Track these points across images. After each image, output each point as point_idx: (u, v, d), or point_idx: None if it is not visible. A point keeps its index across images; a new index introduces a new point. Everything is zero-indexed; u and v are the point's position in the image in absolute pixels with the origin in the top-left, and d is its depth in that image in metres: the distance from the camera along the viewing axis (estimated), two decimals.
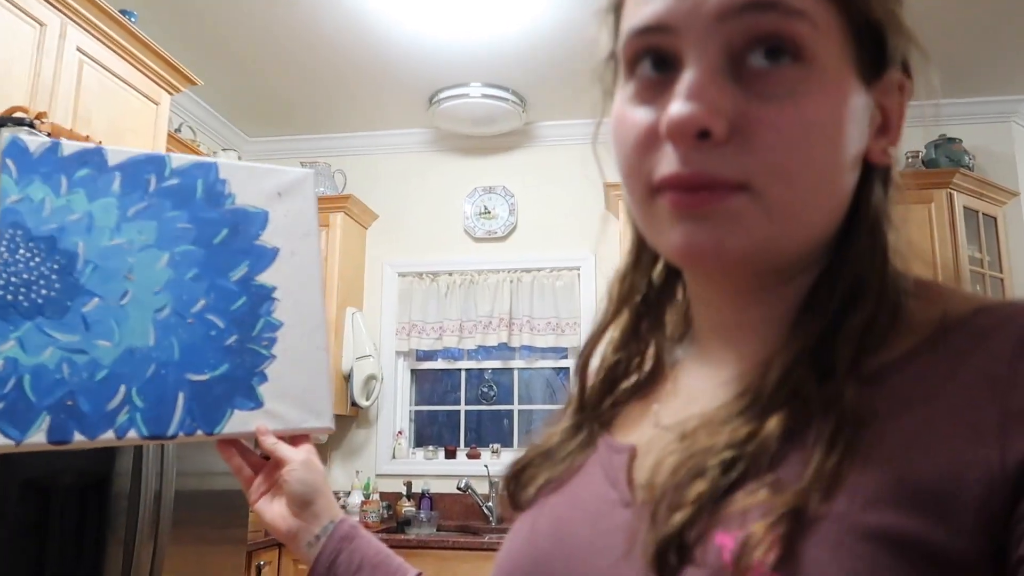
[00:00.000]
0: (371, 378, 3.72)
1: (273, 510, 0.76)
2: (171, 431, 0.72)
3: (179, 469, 2.20)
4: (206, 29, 2.99)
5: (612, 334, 0.58)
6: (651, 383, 0.57)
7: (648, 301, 0.57)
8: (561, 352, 3.85)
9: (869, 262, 0.46)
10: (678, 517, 0.41)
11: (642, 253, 0.58)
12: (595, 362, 0.59)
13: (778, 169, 0.42)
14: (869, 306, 0.45)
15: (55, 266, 0.72)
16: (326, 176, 3.84)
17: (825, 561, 0.37)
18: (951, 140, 3.45)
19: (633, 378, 0.58)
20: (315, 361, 0.79)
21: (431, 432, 4.03)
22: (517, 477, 0.58)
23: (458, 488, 3.56)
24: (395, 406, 3.90)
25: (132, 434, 0.71)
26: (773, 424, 0.42)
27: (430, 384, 4.09)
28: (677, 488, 0.43)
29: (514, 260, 3.88)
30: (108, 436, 0.71)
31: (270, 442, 0.75)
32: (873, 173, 0.48)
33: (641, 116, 0.46)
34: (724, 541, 0.40)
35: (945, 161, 3.41)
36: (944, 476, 0.38)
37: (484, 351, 3.91)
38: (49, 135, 1.66)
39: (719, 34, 0.42)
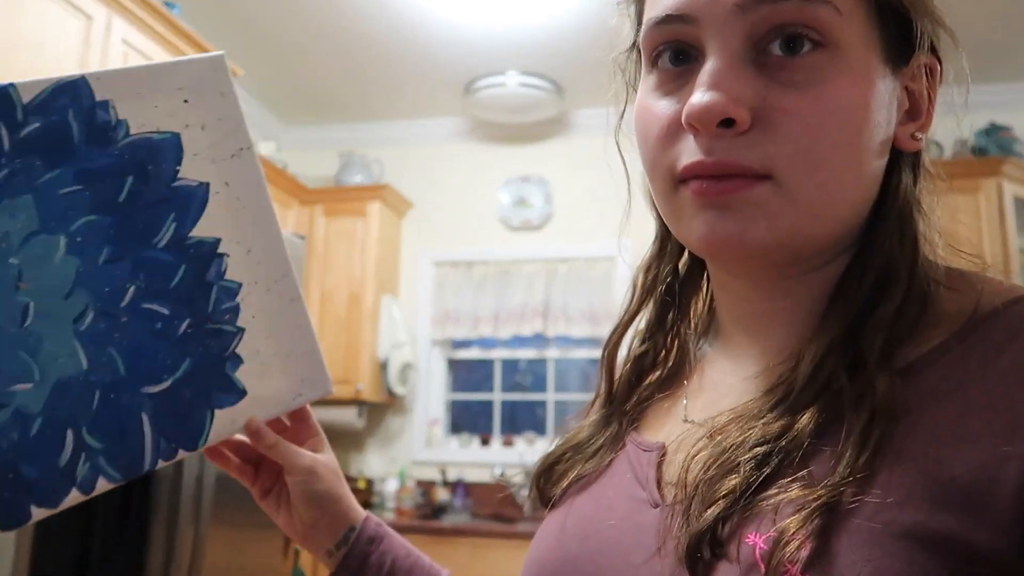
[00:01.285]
0: (407, 366, 3.75)
1: (281, 515, 0.67)
2: (147, 464, 0.57)
3: None
4: (245, 18, 3.03)
5: (639, 325, 0.58)
6: (677, 377, 0.57)
7: (673, 292, 0.57)
8: (596, 342, 3.84)
9: (898, 251, 0.46)
10: (711, 512, 0.41)
11: (667, 244, 0.58)
12: (622, 353, 0.59)
13: (801, 157, 0.42)
14: (898, 296, 0.44)
15: None
16: (363, 165, 3.87)
17: (858, 560, 0.37)
18: (1000, 128, 3.35)
19: (659, 371, 0.58)
20: (291, 319, 0.62)
21: (466, 420, 4.06)
22: (547, 473, 0.58)
23: (496, 480, 3.58)
24: (430, 394, 3.93)
25: (102, 483, 0.56)
26: (805, 419, 0.42)
27: (465, 373, 4.11)
28: (709, 484, 0.42)
29: (550, 250, 3.87)
30: (74, 496, 0.55)
31: (268, 443, 0.63)
32: (901, 159, 0.48)
33: (663, 107, 0.46)
34: (755, 540, 0.39)
35: (994, 149, 3.32)
36: (979, 472, 0.37)
37: (519, 340, 3.92)
38: None
39: (739, 23, 0.42)
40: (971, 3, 2.75)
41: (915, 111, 0.48)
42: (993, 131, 3.35)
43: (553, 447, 0.59)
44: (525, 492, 3.53)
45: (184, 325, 0.58)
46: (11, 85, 0.52)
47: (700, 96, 0.42)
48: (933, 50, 0.48)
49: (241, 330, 0.60)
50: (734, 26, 0.42)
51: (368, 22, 3.05)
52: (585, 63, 3.35)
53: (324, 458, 0.66)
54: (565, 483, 0.56)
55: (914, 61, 0.47)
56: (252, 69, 3.23)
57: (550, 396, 3.94)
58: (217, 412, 0.60)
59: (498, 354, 3.99)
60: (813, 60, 0.42)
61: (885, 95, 0.45)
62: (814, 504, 0.38)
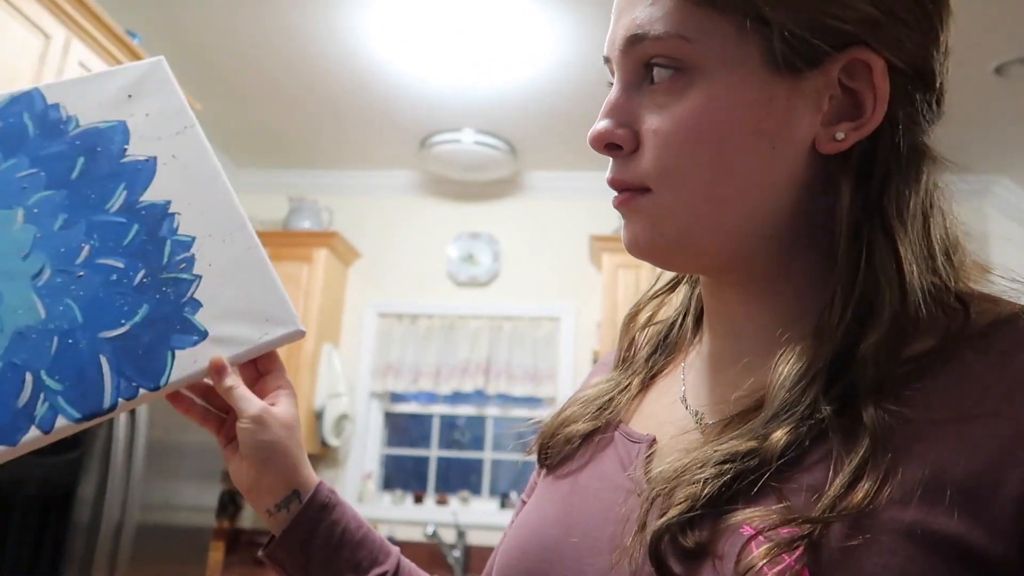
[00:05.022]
0: (343, 417, 3.65)
1: (233, 464, 0.65)
2: (107, 403, 0.60)
3: (144, 502, 2.12)
4: (206, 55, 3.01)
5: (671, 301, 0.62)
6: (674, 355, 0.60)
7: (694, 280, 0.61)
8: (537, 402, 3.82)
9: (872, 271, 0.44)
10: (679, 508, 0.42)
11: None
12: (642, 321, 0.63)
13: (665, 172, 0.47)
14: (885, 326, 0.43)
15: None
16: (312, 211, 3.83)
17: (859, 555, 0.37)
18: None
19: (670, 350, 0.61)
20: (250, 265, 0.66)
21: (399, 476, 3.95)
22: (549, 427, 0.60)
23: (427, 538, 3.47)
24: (365, 448, 3.82)
25: (62, 422, 0.59)
26: (781, 441, 0.42)
27: (402, 427, 4.03)
28: (684, 488, 0.43)
29: (495, 307, 3.88)
30: (33, 435, 0.59)
31: (225, 385, 0.62)
32: (841, 165, 0.46)
33: None
34: (748, 531, 0.40)
35: None
36: (982, 476, 0.38)
37: (459, 397, 3.88)
38: None
39: (626, 61, 0.49)
40: None
41: (859, 110, 0.46)
42: None
43: (565, 406, 0.62)
44: (456, 553, 3.44)
45: (139, 276, 0.64)
46: None
47: (596, 124, 0.50)
48: (867, 44, 0.45)
49: (197, 277, 0.65)
50: (624, 63, 0.49)
51: (329, 69, 3.07)
52: (540, 126, 3.43)
53: (279, 411, 0.64)
54: (560, 444, 0.58)
55: (833, 62, 0.45)
56: (208, 106, 3.19)
57: (487, 455, 3.88)
58: (177, 352, 0.63)
59: (437, 409, 3.93)
60: (673, 84, 0.46)
61: (768, 101, 0.45)
62: (815, 503, 0.39)
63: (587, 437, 0.57)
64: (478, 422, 3.93)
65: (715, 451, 0.44)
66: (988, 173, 3.56)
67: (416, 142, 3.66)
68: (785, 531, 0.38)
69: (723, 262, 0.50)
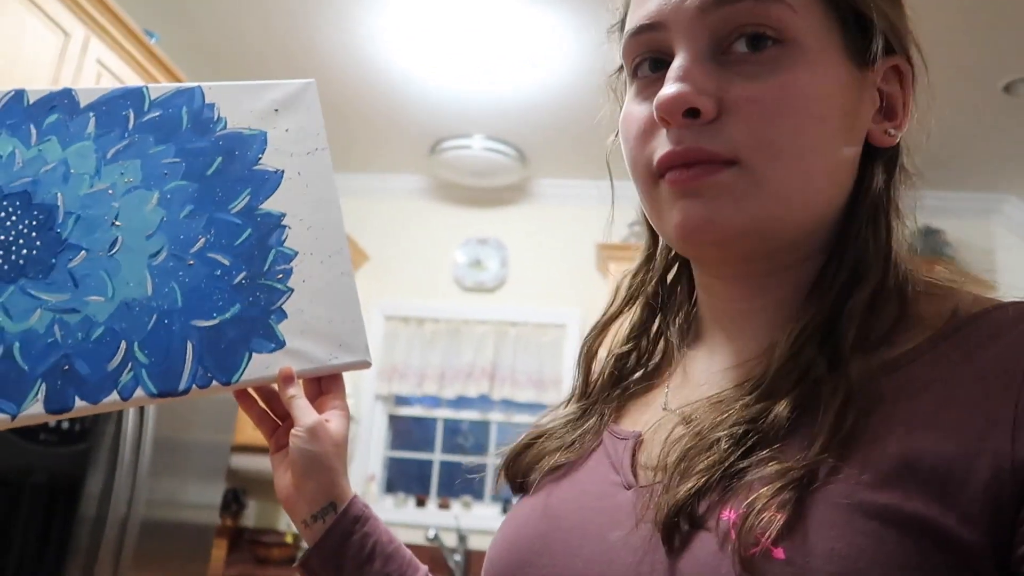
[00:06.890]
0: None
1: (279, 472, 0.68)
2: (183, 385, 0.65)
3: (149, 497, 2.13)
4: (218, 58, 3.04)
5: (622, 327, 0.60)
6: (657, 374, 0.58)
7: (658, 299, 0.59)
8: (541, 408, 3.82)
9: (872, 245, 0.47)
10: (689, 484, 0.42)
11: (654, 255, 0.60)
12: (603, 353, 0.61)
13: (764, 142, 0.44)
14: (870, 285, 0.46)
15: (33, 223, 0.66)
16: None
17: (829, 536, 0.38)
18: (934, 231, 3.56)
19: (640, 371, 0.59)
20: (339, 289, 0.70)
21: (402, 479, 3.96)
22: (515, 461, 0.59)
23: (429, 542, 3.48)
24: (368, 450, 3.83)
25: (139, 393, 0.64)
26: (782, 404, 0.43)
27: (405, 430, 4.03)
28: (687, 460, 0.43)
29: (501, 313, 3.89)
30: (112, 399, 0.64)
31: (289, 394, 0.65)
32: (876, 157, 0.50)
33: (641, 109, 0.49)
34: (729, 516, 0.40)
35: (926, 251, 3.51)
36: (954, 462, 0.38)
37: (463, 401, 3.88)
38: None
39: (702, 25, 0.45)
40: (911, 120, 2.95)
41: (890, 111, 0.50)
42: (928, 234, 3.56)
43: (523, 437, 0.61)
44: (457, 557, 3.45)
45: (240, 276, 0.68)
46: (145, 86, 0.72)
47: (667, 88, 0.45)
48: (905, 55, 0.50)
49: (290, 290, 0.69)
50: (697, 28, 0.46)
51: (341, 74, 3.09)
52: (550, 134, 3.44)
53: (332, 427, 0.66)
54: (537, 473, 0.56)
55: (881, 63, 0.48)
56: None
57: (491, 460, 3.87)
58: (255, 355, 0.67)
59: (441, 413, 3.94)
60: (772, 54, 0.45)
61: (850, 87, 0.47)
62: (787, 478, 0.39)
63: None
64: (482, 427, 3.94)
65: (722, 418, 0.44)
66: (996, 191, 3.56)
67: (426, 147, 3.68)
68: (772, 509, 0.39)
69: (779, 249, 0.48)
